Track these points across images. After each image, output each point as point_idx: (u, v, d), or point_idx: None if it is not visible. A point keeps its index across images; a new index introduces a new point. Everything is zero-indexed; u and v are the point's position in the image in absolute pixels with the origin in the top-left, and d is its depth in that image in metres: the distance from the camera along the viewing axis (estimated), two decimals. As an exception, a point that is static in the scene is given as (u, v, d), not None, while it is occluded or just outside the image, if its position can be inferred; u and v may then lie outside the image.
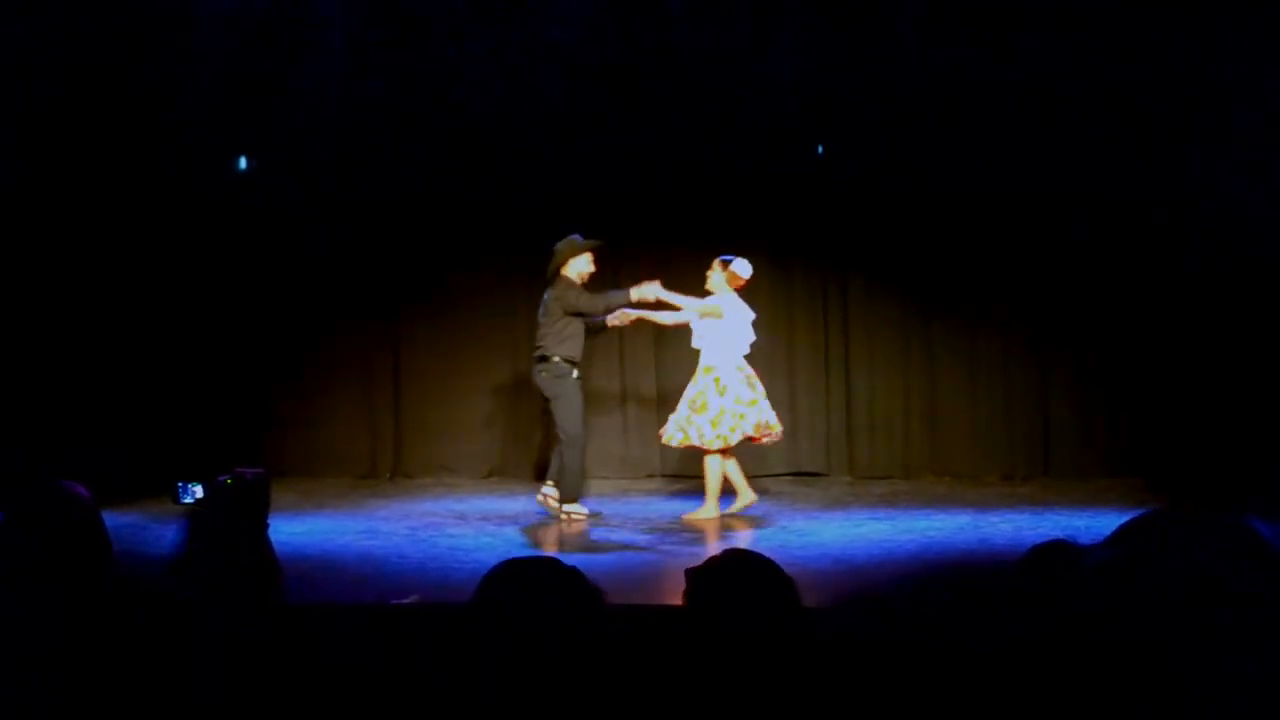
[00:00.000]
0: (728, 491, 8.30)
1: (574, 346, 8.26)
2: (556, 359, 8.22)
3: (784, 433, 8.60)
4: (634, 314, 8.39)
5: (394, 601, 5.50)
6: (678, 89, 9.93)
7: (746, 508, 8.31)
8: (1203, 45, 9.01)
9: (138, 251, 9.89)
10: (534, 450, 10.12)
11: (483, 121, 10.06)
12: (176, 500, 2.85)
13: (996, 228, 9.75)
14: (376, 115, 10.17)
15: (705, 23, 9.90)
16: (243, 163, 10.27)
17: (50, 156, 9.29)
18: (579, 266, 8.32)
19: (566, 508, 8.28)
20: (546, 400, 8.39)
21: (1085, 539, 2.28)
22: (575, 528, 8.12)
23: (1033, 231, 9.70)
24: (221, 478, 2.77)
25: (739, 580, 2.44)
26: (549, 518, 8.33)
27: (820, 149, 10.06)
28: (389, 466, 10.44)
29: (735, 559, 2.53)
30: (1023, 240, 9.73)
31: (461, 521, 8.29)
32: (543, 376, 8.28)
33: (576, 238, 8.37)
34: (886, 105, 9.79)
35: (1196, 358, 9.20)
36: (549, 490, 8.34)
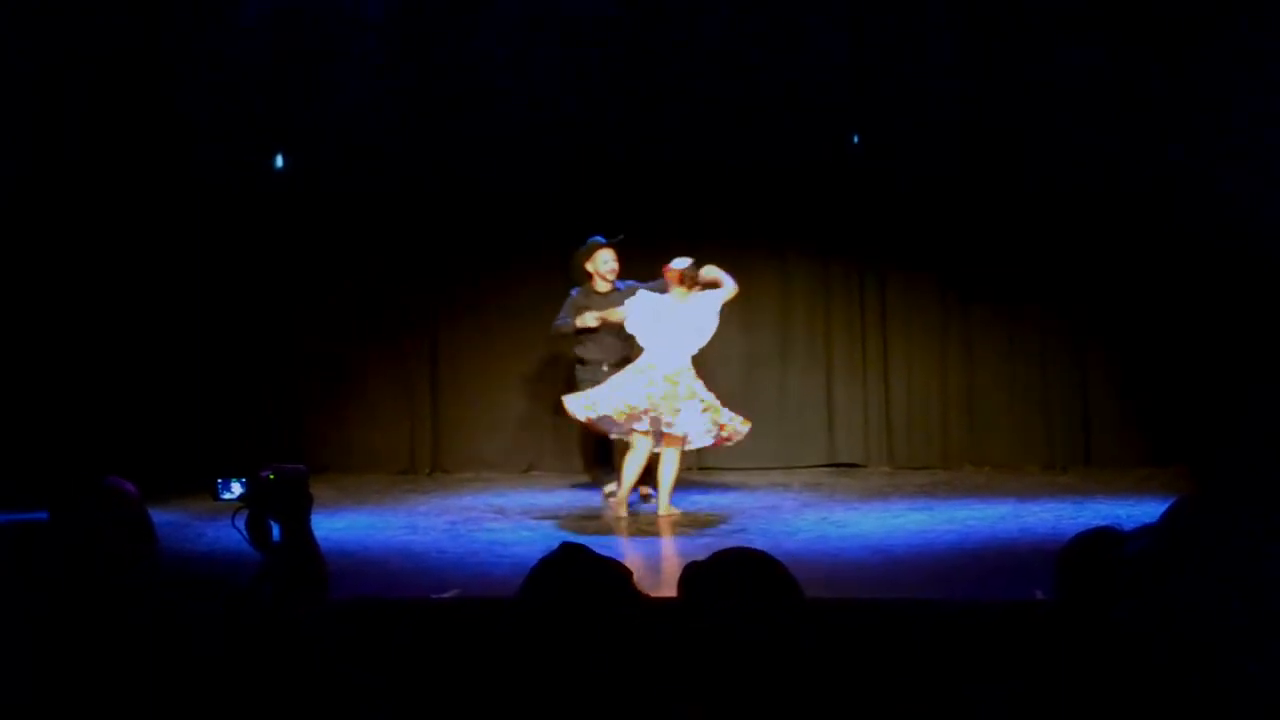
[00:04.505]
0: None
1: (583, 349, 8.57)
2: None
3: (751, 428, 8.27)
4: (595, 320, 8.39)
5: (434, 596, 5.52)
6: (712, 80, 9.93)
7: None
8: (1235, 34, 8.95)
9: (178, 249, 9.99)
10: (572, 445, 10.12)
11: (517, 118, 10.08)
12: (216, 497, 2.86)
13: (1035, 217, 9.69)
14: (412, 112, 10.22)
15: (738, 10, 9.90)
16: (279, 161, 10.34)
17: (83, 153, 9.38)
18: (596, 265, 8.43)
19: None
20: None
21: (1128, 527, 2.26)
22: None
23: (1071, 219, 9.63)
24: (264, 473, 2.78)
25: (734, 577, 2.45)
26: (600, 510, 8.44)
27: (856, 138, 10.01)
28: (428, 462, 10.48)
29: (731, 556, 2.54)
30: (1061, 228, 9.66)
31: (500, 516, 8.31)
32: None
33: (597, 238, 8.48)
34: (921, 95, 9.76)
35: (1239, 343, 9.09)
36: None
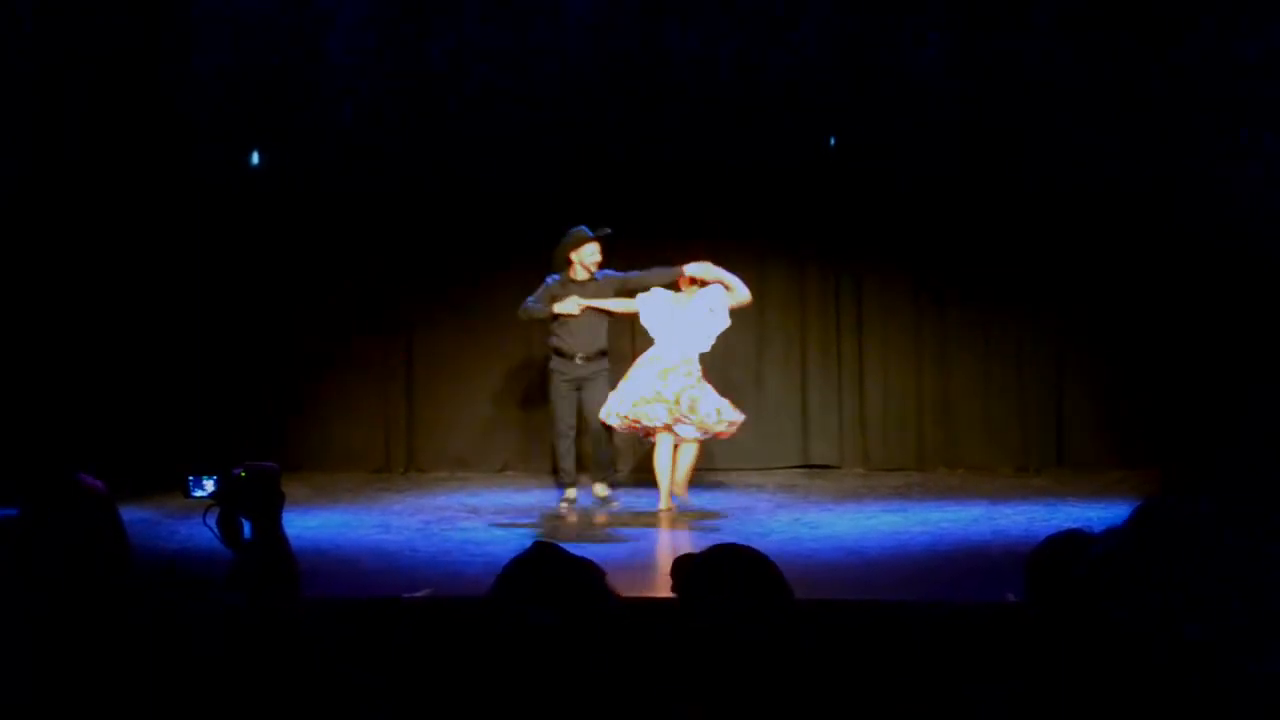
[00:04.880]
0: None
1: (558, 339, 8.54)
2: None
3: (747, 423, 8.49)
4: (578, 308, 8.42)
5: (406, 596, 5.51)
6: (690, 81, 9.93)
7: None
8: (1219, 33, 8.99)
9: (153, 246, 9.93)
10: (546, 444, 10.11)
11: (496, 117, 10.06)
12: (188, 494, 2.85)
13: (1016, 218, 9.72)
14: (391, 111, 10.19)
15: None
16: (255, 158, 10.30)
17: (65, 152, 9.33)
18: (581, 257, 8.44)
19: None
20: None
21: (1099, 529, 2.27)
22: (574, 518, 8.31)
23: (1057, 220, 9.67)
24: (235, 470, 2.77)
25: (728, 574, 2.45)
26: (563, 510, 8.48)
27: (832, 140, 10.03)
28: (402, 461, 10.45)
29: (725, 553, 2.54)
30: (1035, 230, 9.70)
31: (474, 515, 8.30)
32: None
33: (584, 229, 8.47)
34: (898, 96, 9.79)
35: (1212, 346, 9.14)
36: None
